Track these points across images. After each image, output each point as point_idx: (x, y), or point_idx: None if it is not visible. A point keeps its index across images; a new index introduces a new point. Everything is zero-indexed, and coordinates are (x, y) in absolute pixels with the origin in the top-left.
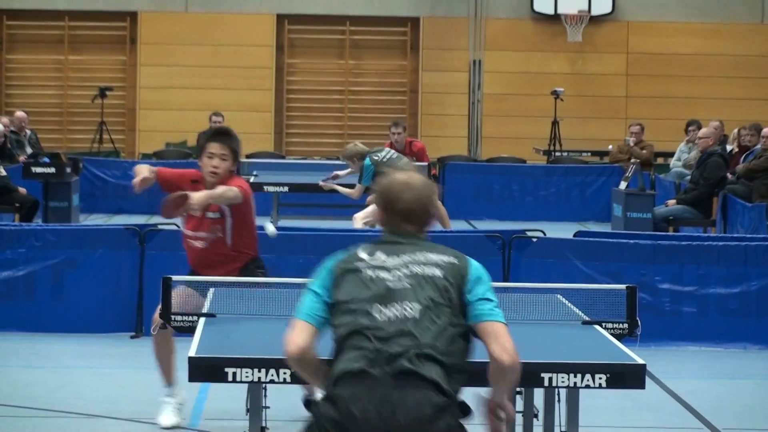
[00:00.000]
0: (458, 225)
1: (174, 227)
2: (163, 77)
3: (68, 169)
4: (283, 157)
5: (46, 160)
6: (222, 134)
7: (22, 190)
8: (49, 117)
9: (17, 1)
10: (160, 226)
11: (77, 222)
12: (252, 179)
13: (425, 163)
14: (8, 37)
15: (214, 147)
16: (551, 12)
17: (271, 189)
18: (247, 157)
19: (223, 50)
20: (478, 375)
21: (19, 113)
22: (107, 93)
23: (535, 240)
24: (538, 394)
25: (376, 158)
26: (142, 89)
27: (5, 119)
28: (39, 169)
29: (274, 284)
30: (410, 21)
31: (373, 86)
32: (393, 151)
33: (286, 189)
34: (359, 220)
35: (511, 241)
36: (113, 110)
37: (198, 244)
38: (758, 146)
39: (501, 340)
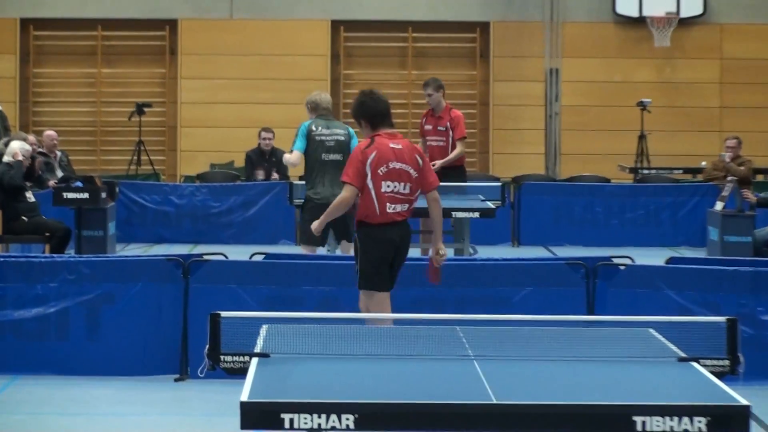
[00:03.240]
0: (536, 252)
1: (221, 257)
2: (207, 91)
3: (103, 195)
4: None
5: (79, 184)
6: None
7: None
8: (82, 137)
9: (45, 9)
10: (205, 257)
11: (114, 253)
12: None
13: (459, 137)
14: (36, 49)
15: None
16: (636, 14)
17: None
18: (301, 178)
19: (272, 60)
20: None
21: (49, 132)
22: (145, 110)
23: (622, 268)
24: None
25: (314, 128)
26: (183, 105)
27: (32, 137)
28: (71, 195)
29: (333, 320)
30: (479, 26)
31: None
32: (337, 133)
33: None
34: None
35: (596, 269)
36: (152, 128)
37: None
38: None
39: None
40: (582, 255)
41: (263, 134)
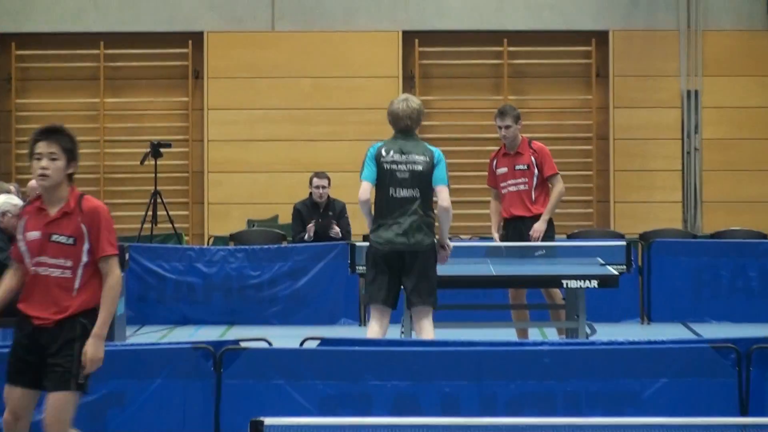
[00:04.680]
0: (672, 331)
1: (263, 344)
2: (242, 125)
3: None
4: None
5: None
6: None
7: None
8: (81, 186)
9: (31, 22)
10: (243, 343)
11: (123, 339)
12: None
13: (552, 173)
14: (20, 73)
15: (41, 147)
16: None
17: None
18: (365, 238)
19: (326, 84)
20: None
21: (35, 182)
22: (162, 150)
23: None
24: None
25: (383, 153)
26: (211, 143)
27: (12, 187)
28: None
29: (410, 428)
30: (595, 36)
31: (543, 131)
32: (415, 161)
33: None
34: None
35: (750, 353)
36: (172, 174)
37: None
38: None
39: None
40: (732, 335)
41: (315, 181)
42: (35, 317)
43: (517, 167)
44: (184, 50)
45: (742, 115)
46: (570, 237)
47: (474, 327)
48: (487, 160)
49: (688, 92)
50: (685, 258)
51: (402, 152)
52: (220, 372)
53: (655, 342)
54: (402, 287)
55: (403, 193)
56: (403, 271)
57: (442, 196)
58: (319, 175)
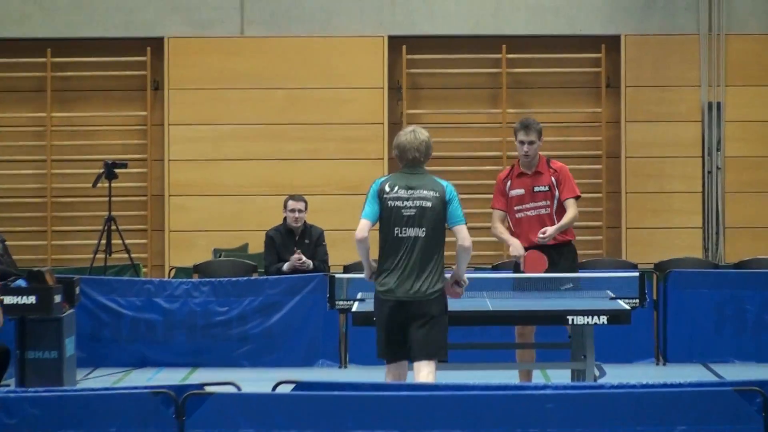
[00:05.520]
0: (691, 372)
1: (232, 389)
2: (207, 143)
3: (57, 298)
4: None
5: (22, 283)
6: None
7: None
8: (25, 210)
9: None
10: (208, 387)
11: (73, 383)
12: (356, 306)
13: (572, 196)
14: None
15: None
16: None
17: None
18: (346, 269)
19: (303, 96)
20: None
21: None
22: (117, 171)
23: None
24: None
25: (387, 189)
26: (173, 163)
27: None
28: (9, 299)
29: None
30: (605, 42)
31: (546, 148)
32: (423, 197)
33: None
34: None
35: None
36: (128, 198)
37: None
38: None
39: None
40: (758, 377)
41: (291, 204)
42: None
43: (537, 189)
44: (142, 58)
45: None
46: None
47: (469, 369)
48: (485, 182)
49: (710, 104)
50: (706, 290)
51: (408, 188)
52: (183, 420)
53: (672, 385)
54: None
55: (410, 232)
56: (408, 321)
57: (462, 235)
58: (294, 197)
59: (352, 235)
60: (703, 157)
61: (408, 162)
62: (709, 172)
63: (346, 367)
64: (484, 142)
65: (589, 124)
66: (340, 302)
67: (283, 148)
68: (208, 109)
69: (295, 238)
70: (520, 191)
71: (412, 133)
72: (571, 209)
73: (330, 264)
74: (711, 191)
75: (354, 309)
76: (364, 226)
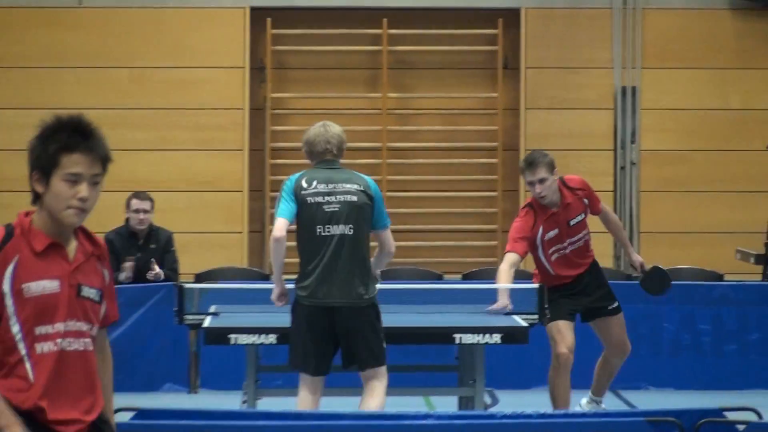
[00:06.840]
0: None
1: None
2: (32, 131)
3: None
4: (267, 277)
5: None
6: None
7: None
8: None
9: None
10: None
11: None
12: (209, 321)
13: (600, 205)
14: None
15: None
16: None
17: (245, 340)
18: (198, 278)
19: (150, 76)
20: None
21: None
22: None
23: (741, 428)
24: None
25: (304, 185)
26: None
27: None
28: None
29: None
30: (502, 16)
31: (433, 138)
32: (346, 190)
33: (273, 339)
34: None
35: (697, 429)
36: None
37: None
38: None
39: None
40: (675, 406)
41: (135, 203)
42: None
43: (573, 222)
44: None
45: (693, 119)
46: (466, 278)
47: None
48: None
49: (624, 89)
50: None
51: (329, 182)
52: None
53: (576, 415)
54: (338, 349)
55: (335, 230)
56: (339, 330)
57: (390, 241)
58: (139, 195)
59: (205, 238)
60: (615, 150)
61: (319, 157)
62: (622, 168)
63: (196, 392)
64: (361, 131)
65: (483, 111)
66: (190, 317)
67: (125, 137)
68: (38, 91)
69: (138, 242)
70: (554, 233)
71: (323, 127)
72: (612, 214)
73: (180, 272)
74: (624, 190)
75: (206, 324)
76: (281, 225)
